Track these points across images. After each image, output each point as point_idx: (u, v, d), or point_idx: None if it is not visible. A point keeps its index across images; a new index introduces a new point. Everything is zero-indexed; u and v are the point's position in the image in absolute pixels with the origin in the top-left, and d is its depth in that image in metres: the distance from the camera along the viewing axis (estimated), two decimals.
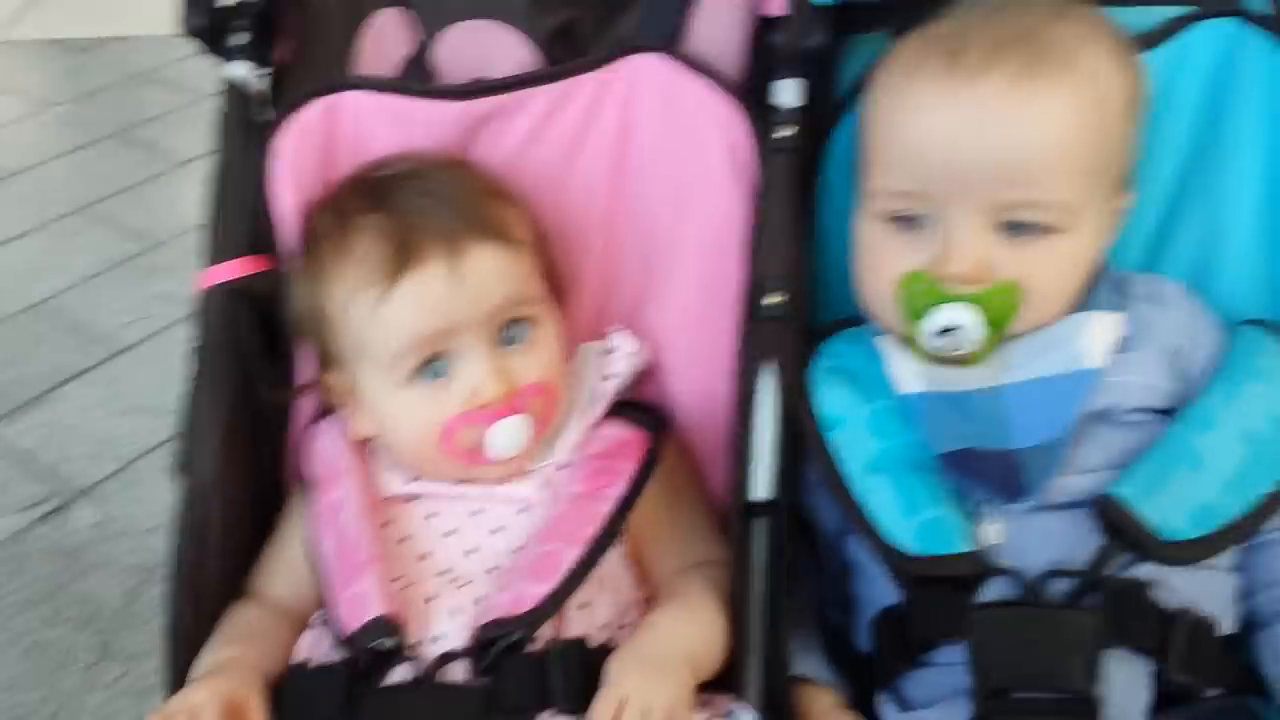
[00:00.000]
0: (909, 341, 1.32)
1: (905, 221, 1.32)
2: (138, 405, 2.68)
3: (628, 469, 1.36)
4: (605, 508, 1.31)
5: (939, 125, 1.28)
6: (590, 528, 1.29)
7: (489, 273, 1.34)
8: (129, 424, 2.62)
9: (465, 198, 1.38)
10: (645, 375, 1.52)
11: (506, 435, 1.32)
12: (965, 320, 1.27)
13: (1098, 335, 1.30)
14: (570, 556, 1.26)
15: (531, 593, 1.24)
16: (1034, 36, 1.28)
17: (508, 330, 1.35)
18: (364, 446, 1.43)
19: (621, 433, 1.41)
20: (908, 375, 1.33)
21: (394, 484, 1.39)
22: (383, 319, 1.32)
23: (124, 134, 3.75)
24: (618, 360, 1.46)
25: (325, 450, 1.42)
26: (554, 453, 1.39)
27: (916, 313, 1.30)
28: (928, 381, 1.31)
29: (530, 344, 1.37)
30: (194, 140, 3.64)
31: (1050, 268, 1.29)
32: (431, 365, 1.33)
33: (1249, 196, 1.46)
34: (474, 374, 1.32)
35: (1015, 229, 1.28)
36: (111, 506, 2.41)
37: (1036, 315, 1.30)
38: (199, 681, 1.23)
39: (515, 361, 1.35)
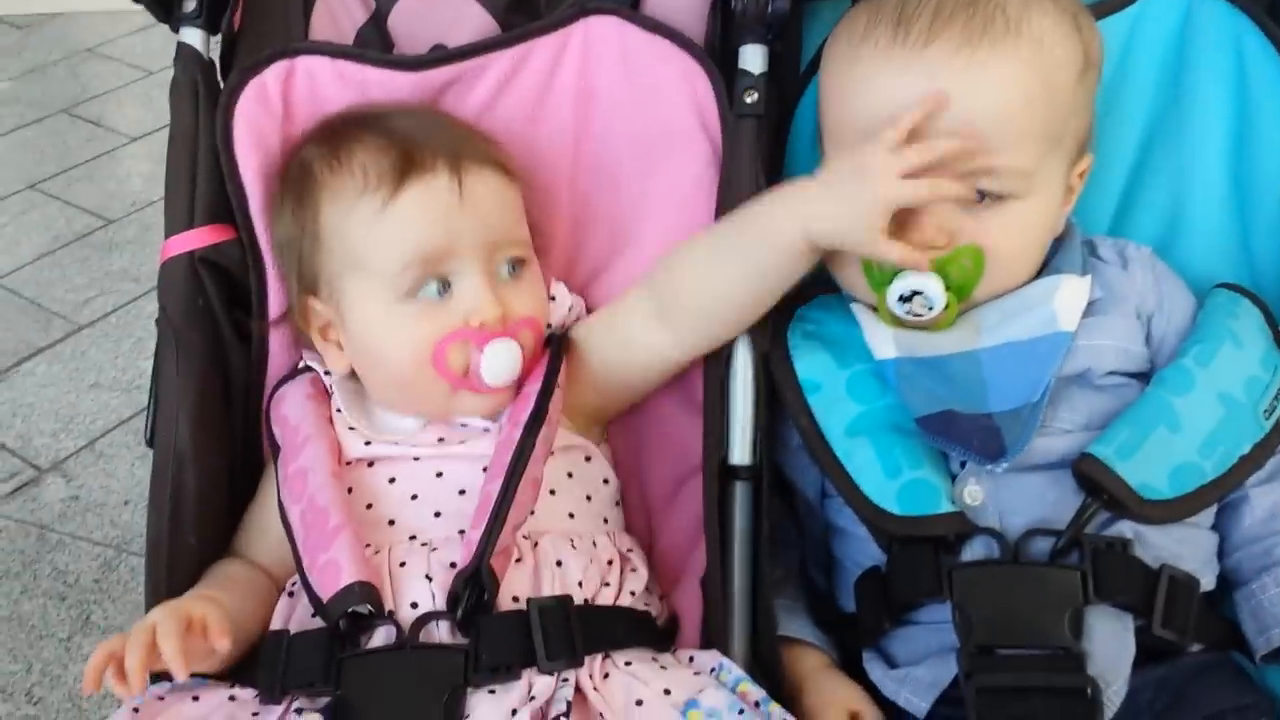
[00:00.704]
0: (877, 308, 1.34)
1: None
2: (100, 381, 2.67)
3: (536, 389, 1.34)
4: (519, 433, 1.30)
5: (888, 96, 1.29)
6: (508, 454, 1.28)
7: (490, 196, 1.36)
8: (93, 400, 2.62)
9: (459, 127, 1.41)
10: None
11: (500, 358, 1.32)
12: (927, 286, 1.29)
13: (1069, 298, 1.33)
14: (496, 489, 1.25)
15: (474, 537, 1.23)
16: (979, 3, 1.29)
17: (504, 265, 1.37)
18: (328, 409, 1.42)
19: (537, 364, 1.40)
20: (882, 341, 1.34)
21: (352, 447, 1.38)
22: (387, 226, 1.33)
23: (70, 110, 3.71)
24: (556, 309, 1.46)
25: (290, 416, 1.41)
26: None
27: (881, 279, 1.32)
28: (901, 347, 1.33)
29: (521, 279, 1.39)
30: (141, 115, 3.63)
31: (1009, 233, 1.31)
32: (433, 281, 1.34)
33: (1212, 157, 1.49)
34: (473, 294, 1.33)
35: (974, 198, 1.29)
36: (81, 481, 2.41)
37: (1000, 280, 1.33)
38: (156, 608, 1.24)
39: (507, 292, 1.36)
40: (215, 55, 1.52)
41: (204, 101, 1.46)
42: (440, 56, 1.52)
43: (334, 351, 1.42)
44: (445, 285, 1.34)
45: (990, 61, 1.27)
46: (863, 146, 1.26)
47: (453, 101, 1.52)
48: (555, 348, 1.40)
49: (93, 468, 2.45)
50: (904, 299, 1.30)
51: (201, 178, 1.45)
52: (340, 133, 1.40)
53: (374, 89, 1.50)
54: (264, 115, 1.46)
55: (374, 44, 1.57)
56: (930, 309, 1.30)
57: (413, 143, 1.34)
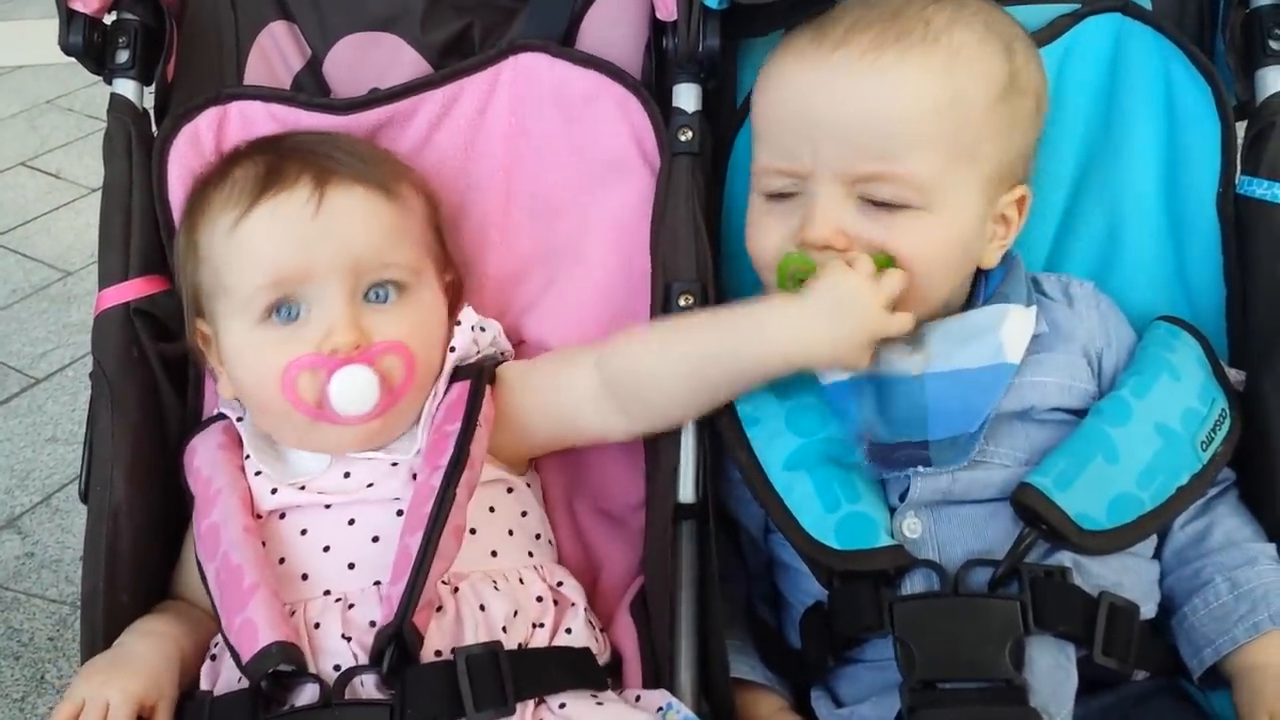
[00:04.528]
0: None
1: (782, 198, 1.35)
2: (58, 435, 2.64)
3: (455, 429, 1.31)
4: (438, 479, 1.27)
5: (797, 95, 1.32)
6: (428, 506, 1.24)
7: (355, 214, 1.32)
8: (50, 454, 2.59)
9: (358, 148, 1.38)
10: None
11: (350, 386, 1.28)
12: None
13: (1015, 329, 1.33)
14: (416, 544, 1.22)
15: (395, 594, 1.20)
16: (901, 15, 1.30)
17: (372, 289, 1.33)
18: (239, 457, 1.39)
19: (454, 393, 1.36)
20: None
21: (262, 497, 1.35)
22: (239, 243, 1.31)
23: (28, 163, 3.70)
24: (459, 333, 1.42)
25: (202, 469, 1.38)
26: (417, 440, 1.35)
27: (789, 283, 1.31)
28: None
29: (394, 305, 1.34)
30: (100, 167, 3.59)
31: (913, 242, 1.30)
32: (286, 306, 1.31)
33: (1145, 186, 1.50)
34: (328, 319, 1.30)
35: (876, 205, 1.30)
36: (37, 538, 2.38)
37: (915, 293, 1.31)
38: (115, 672, 1.23)
39: (374, 317, 1.32)
40: (150, 105, 1.52)
41: (137, 152, 1.46)
42: (372, 98, 1.52)
43: (223, 377, 1.39)
44: (300, 309, 1.31)
45: (895, 66, 1.28)
46: (841, 277, 1.27)
47: (386, 143, 1.52)
48: (476, 383, 1.36)
49: (48, 524, 2.41)
50: None
51: (136, 229, 1.45)
52: (239, 153, 1.39)
53: None
54: (197, 161, 1.46)
55: (310, 90, 1.57)
56: None
57: (282, 157, 1.33)
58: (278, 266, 1.30)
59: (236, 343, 1.33)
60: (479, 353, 1.42)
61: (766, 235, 1.36)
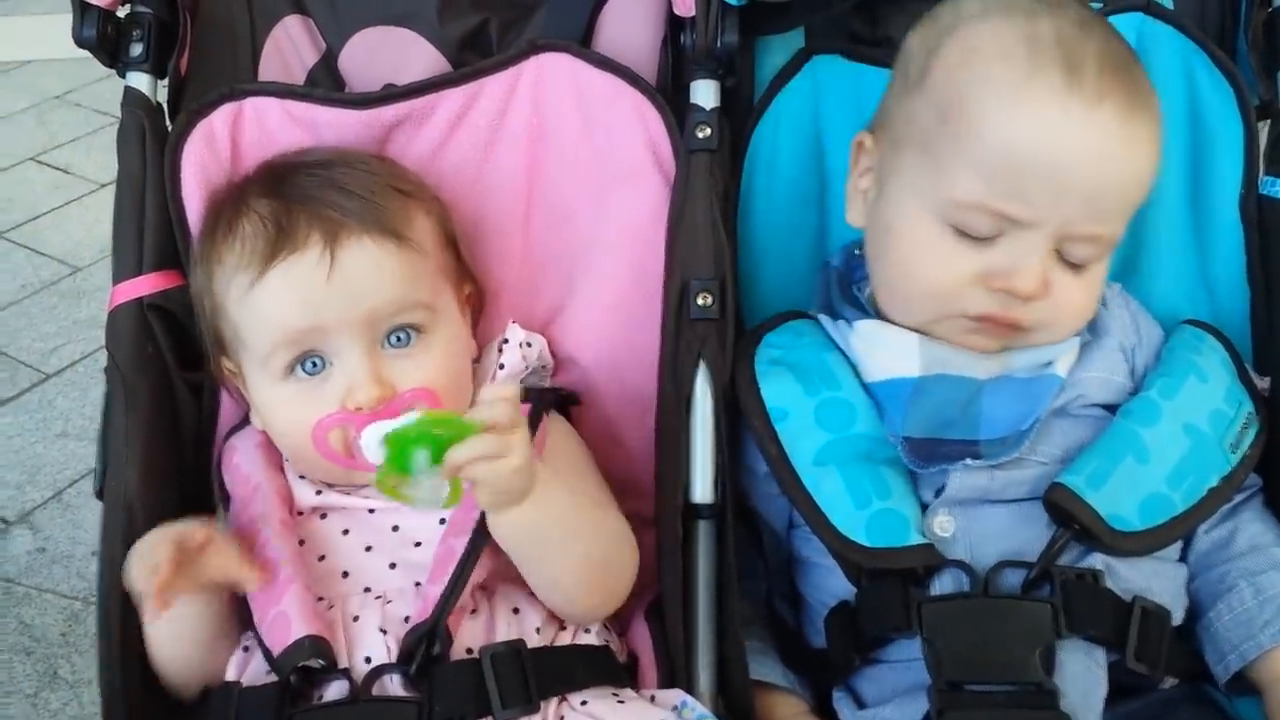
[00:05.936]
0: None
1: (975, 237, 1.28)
2: (68, 431, 2.64)
3: None
4: None
5: (1064, 144, 1.22)
6: (476, 512, 1.25)
7: (369, 270, 1.30)
8: (60, 450, 2.59)
9: (365, 189, 1.35)
10: (564, 366, 1.51)
11: (379, 441, 1.26)
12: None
13: (1064, 350, 1.33)
14: (460, 546, 1.24)
15: (433, 593, 1.22)
16: (1127, 65, 1.27)
17: (393, 333, 1.32)
18: (278, 456, 1.39)
19: None
20: (902, 358, 1.31)
21: (304, 497, 1.35)
22: (253, 307, 1.30)
23: (38, 158, 3.70)
24: (509, 351, 1.43)
25: (241, 465, 1.39)
26: None
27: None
28: (927, 364, 1.31)
29: (415, 348, 1.33)
30: (109, 161, 3.53)
31: (1091, 292, 1.31)
32: (308, 360, 1.30)
33: (1168, 186, 1.48)
34: (350, 375, 1.29)
35: (1069, 254, 1.27)
36: (48, 534, 2.38)
37: (1066, 333, 1.32)
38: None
39: (396, 365, 1.31)
40: (164, 99, 1.51)
41: (151, 146, 1.45)
42: (389, 95, 1.50)
43: (255, 412, 1.39)
44: (323, 362, 1.30)
45: (1145, 134, 1.25)
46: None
47: (403, 141, 1.50)
48: (535, 411, 1.36)
49: (60, 519, 2.41)
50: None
51: (150, 223, 1.43)
52: (247, 192, 1.36)
53: (324, 129, 1.48)
54: (211, 158, 1.45)
55: (325, 84, 1.56)
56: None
57: (291, 214, 1.30)
58: (296, 330, 1.29)
59: (263, 396, 1.33)
60: (527, 368, 1.43)
61: (947, 268, 1.27)
